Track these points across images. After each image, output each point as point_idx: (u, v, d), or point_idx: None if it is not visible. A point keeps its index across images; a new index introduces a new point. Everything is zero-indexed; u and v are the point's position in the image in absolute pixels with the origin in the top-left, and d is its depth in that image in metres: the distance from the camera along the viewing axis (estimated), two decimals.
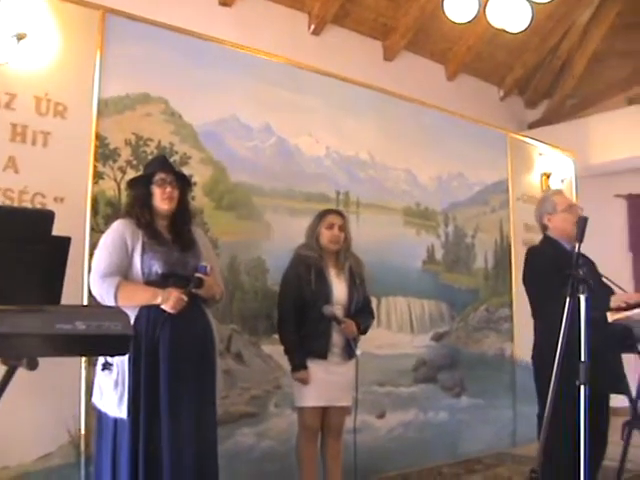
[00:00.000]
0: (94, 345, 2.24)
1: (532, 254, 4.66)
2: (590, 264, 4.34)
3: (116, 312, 2.42)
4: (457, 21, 5.68)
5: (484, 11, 5.59)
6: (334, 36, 6.74)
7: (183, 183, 4.03)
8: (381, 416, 5.91)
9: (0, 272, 2.08)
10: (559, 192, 5.03)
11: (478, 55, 8.45)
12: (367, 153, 6.18)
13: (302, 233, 4.79)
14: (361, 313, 4.70)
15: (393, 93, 6.43)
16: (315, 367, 4.46)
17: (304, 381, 4.45)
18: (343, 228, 4.72)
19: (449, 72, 8.32)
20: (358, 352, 4.54)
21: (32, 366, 2.12)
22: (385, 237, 6.11)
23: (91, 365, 4.07)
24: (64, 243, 2.25)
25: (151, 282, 3.73)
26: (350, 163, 6.04)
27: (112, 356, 3.36)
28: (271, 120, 5.46)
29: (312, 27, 6.71)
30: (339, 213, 4.87)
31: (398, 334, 6.18)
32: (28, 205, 4.14)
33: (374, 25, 7.38)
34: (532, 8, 5.54)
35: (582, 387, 3.39)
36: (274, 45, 5.72)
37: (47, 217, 2.18)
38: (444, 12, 5.68)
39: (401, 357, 6.17)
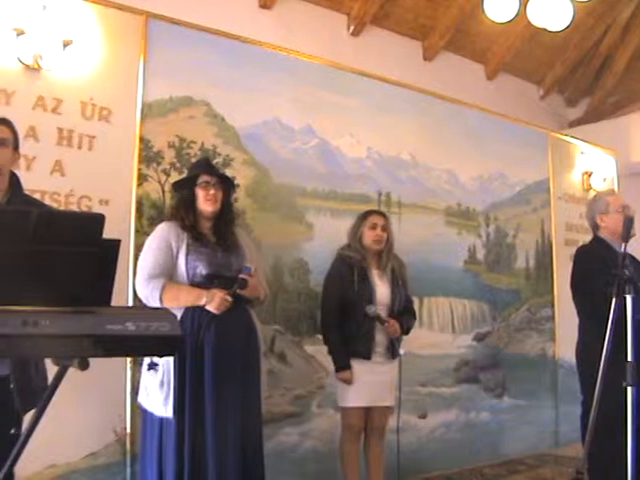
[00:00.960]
0: (143, 346, 2.27)
1: (581, 254, 4.63)
2: (638, 265, 4.29)
3: (165, 313, 2.45)
4: (497, 21, 5.64)
5: (524, 10, 5.55)
6: (373, 37, 6.74)
7: (226, 185, 4.05)
8: (423, 417, 5.90)
9: (53, 274, 2.12)
10: (612, 192, 5.00)
11: (518, 54, 8.39)
12: (408, 153, 6.17)
13: (344, 234, 4.81)
14: (403, 313, 4.71)
15: (433, 93, 6.42)
16: (359, 367, 4.47)
17: (348, 381, 4.46)
18: (385, 228, 4.73)
19: (489, 71, 8.28)
20: (401, 352, 4.55)
21: (83, 366, 2.15)
22: (427, 237, 6.11)
23: (136, 365, 4.14)
24: (114, 245, 2.28)
25: (196, 283, 3.76)
26: (391, 164, 6.04)
27: (161, 356, 3.39)
28: (312, 121, 5.49)
29: (351, 28, 6.72)
30: (381, 214, 4.88)
31: (440, 334, 6.17)
32: (74, 208, 4.20)
33: (413, 25, 7.36)
34: (573, 6, 5.50)
35: (629, 388, 3.36)
36: (314, 46, 5.74)
37: (98, 220, 2.21)
38: (483, 11, 5.64)
39: (443, 357, 6.16)
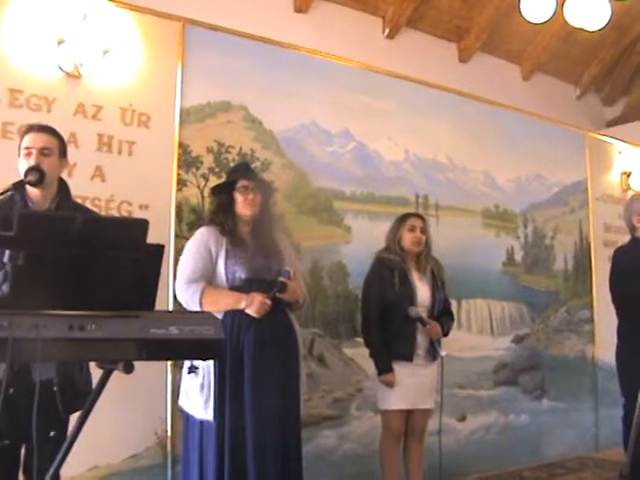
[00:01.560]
0: (187, 349, 2.30)
1: (619, 254, 4.60)
2: None
3: (208, 317, 2.47)
4: (534, 21, 5.60)
5: (561, 10, 5.51)
6: (408, 39, 6.73)
7: (265, 189, 4.07)
8: (462, 419, 5.89)
9: (98, 279, 2.15)
10: None
11: (554, 54, 8.32)
12: (445, 156, 6.17)
13: (382, 237, 4.80)
14: (443, 315, 4.71)
15: (469, 95, 6.41)
16: (400, 369, 4.46)
17: (390, 384, 4.44)
18: (424, 230, 4.72)
19: (524, 72, 8.23)
20: (443, 353, 4.54)
21: (128, 370, 2.18)
22: (464, 239, 6.10)
23: (177, 368, 4.17)
24: (158, 250, 2.31)
25: (235, 287, 3.79)
26: (429, 166, 6.05)
27: (204, 360, 3.42)
28: (350, 125, 5.51)
29: (386, 31, 6.71)
30: (419, 216, 4.88)
31: (478, 336, 6.16)
32: (115, 213, 4.25)
33: (448, 27, 7.34)
34: (611, 5, 5.45)
35: None
36: (349, 50, 5.75)
37: (142, 225, 2.25)
38: (519, 12, 5.61)
39: (481, 360, 6.14)
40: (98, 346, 2.13)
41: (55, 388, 2.98)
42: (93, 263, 2.14)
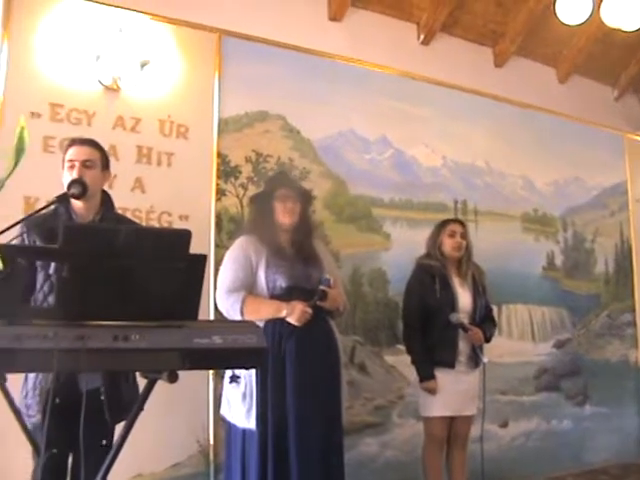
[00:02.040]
0: (230, 358, 2.32)
1: None
2: None
3: (251, 326, 2.49)
4: (570, 23, 5.56)
5: (598, 11, 5.46)
6: (443, 45, 6.69)
7: (304, 198, 4.07)
8: (504, 425, 5.85)
9: (142, 290, 2.17)
10: None
11: (590, 55, 8.22)
12: (483, 160, 6.16)
13: (421, 243, 4.80)
14: (484, 321, 4.68)
15: (506, 99, 6.40)
16: (442, 376, 4.44)
17: (433, 391, 4.43)
18: (464, 236, 4.71)
19: (561, 75, 8.14)
20: (485, 360, 4.51)
21: (172, 379, 2.19)
22: (504, 244, 6.07)
23: (219, 377, 4.18)
24: (201, 260, 2.33)
25: (276, 296, 3.79)
26: (466, 171, 6.05)
27: (247, 368, 3.43)
28: (387, 132, 5.53)
29: (421, 37, 6.68)
30: (460, 221, 4.87)
31: (519, 342, 6.12)
32: (155, 224, 4.29)
33: (483, 31, 7.28)
34: None
35: None
36: (384, 57, 5.75)
37: (185, 236, 2.26)
38: (554, 14, 5.57)
39: (523, 365, 6.10)
40: (142, 356, 2.15)
41: (102, 397, 3.02)
42: (137, 274, 2.16)
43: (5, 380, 2.13)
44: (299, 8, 5.43)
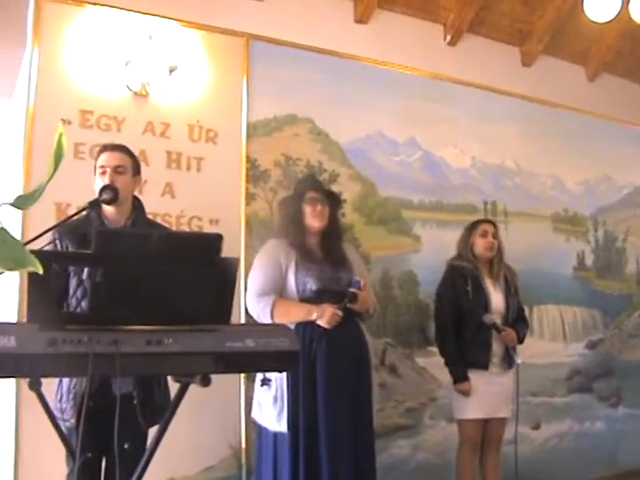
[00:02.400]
0: (263, 361, 2.32)
1: None
2: None
3: (283, 329, 2.49)
4: (598, 20, 5.52)
5: (627, 7, 5.41)
6: (470, 45, 6.67)
7: (333, 201, 4.08)
8: (536, 427, 5.81)
9: (175, 294, 2.18)
10: None
11: (619, 53, 8.16)
12: (512, 161, 6.14)
13: (451, 245, 4.79)
14: (517, 322, 4.66)
15: (534, 98, 6.37)
16: (476, 378, 4.43)
17: (467, 393, 4.41)
18: (496, 236, 4.70)
19: (589, 73, 8.08)
20: (519, 361, 4.49)
21: (205, 383, 2.20)
22: (534, 245, 6.03)
23: (250, 380, 4.19)
24: (233, 264, 2.33)
25: (306, 299, 3.79)
26: (496, 172, 6.02)
27: (280, 372, 3.44)
28: (416, 133, 5.53)
29: (448, 38, 6.66)
30: (491, 222, 4.86)
31: (551, 343, 6.08)
32: (185, 228, 4.31)
33: (510, 31, 7.25)
34: None
35: None
36: (411, 58, 5.74)
37: (217, 240, 2.27)
38: (583, 12, 5.53)
39: (554, 366, 6.05)
40: (175, 360, 2.16)
41: (135, 401, 3.03)
42: (169, 278, 2.17)
43: (40, 385, 2.14)
44: (325, 11, 5.44)
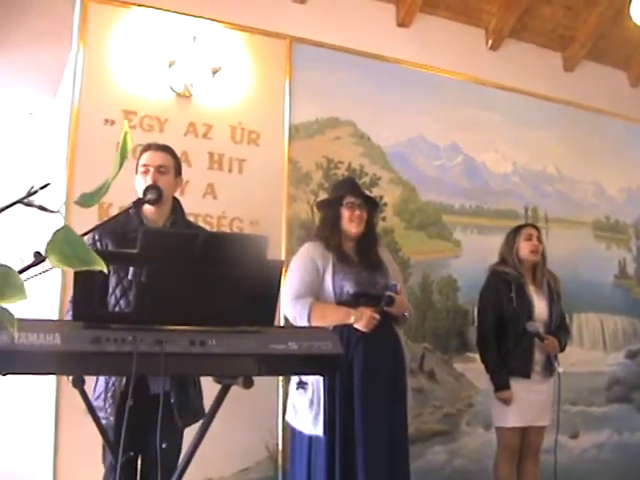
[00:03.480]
0: (306, 364, 2.32)
1: None
2: None
3: (326, 332, 2.49)
4: None
5: None
6: (512, 50, 6.63)
7: (371, 205, 4.07)
8: (574, 436, 5.74)
9: (220, 295, 2.18)
10: None
11: None
12: (554, 167, 6.09)
13: (492, 251, 4.75)
14: (559, 329, 4.61)
15: (576, 104, 6.32)
16: (517, 386, 4.38)
17: (508, 401, 4.36)
18: (540, 240, 4.67)
19: (632, 78, 7.99)
20: (560, 370, 4.44)
21: (248, 385, 2.20)
22: (575, 252, 5.97)
23: (287, 382, 4.18)
24: (278, 266, 2.33)
25: (343, 302, 3.79)
26: (537, 178, 5.98)
27: (323, 375, 3.42)
28: (457, 138, 5.52)
29: (490, 42, 6.63)
30: (534, 226, 4.83)
31: (590, 351, 6.01)
32: (226, 230, 4.32)
33: (552, 36, 7.20)
34: None
35: None
36: (453, 63, 5.73)
37: (262, 242, 2.27)
38: (626, 17, 5.47)
39: (594, 375, 5.97)
40: (218, 361, 2.16)
41: (172, 400, 3.04)
42: (214, 279, 2.17)
43: (84, 383, 2.14)
44: (368, 14, 5.44)
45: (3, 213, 1.40)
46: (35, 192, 1.44)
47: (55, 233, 1.19)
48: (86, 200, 1.38)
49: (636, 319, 6.37)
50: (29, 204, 1.44)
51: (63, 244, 1.14)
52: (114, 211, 3.85)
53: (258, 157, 4.57)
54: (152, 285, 2.14)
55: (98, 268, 1.14)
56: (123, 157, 1.43)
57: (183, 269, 2.13)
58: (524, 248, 4.61)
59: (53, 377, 3.76)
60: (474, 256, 5.25)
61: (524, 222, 5.49)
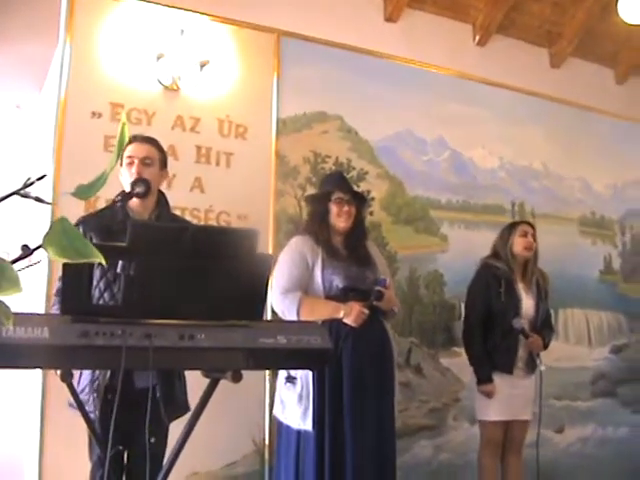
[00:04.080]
0: (295, 359, 2.32)
1: None
2: None
3: (315, 326, 2.49)
4: (632, 22, 5.48)
5: None
6: (499, 46, 6.65)
7: (359, 201, 4.07)
8: (560, 431, 5.77)
9: (209, 289, 2.18)
10: None
11: None
12: (540, 163, 6.12)
13: (479, 245, 4.81)
14: (543, 327, 4.63)
15: (563, 100, 6.34)
16: (500, 381, 4.41)
17: (490, 394, 4.39)
18: (535, 237, 4.70)
19: (618, 75, 8.02)
20: (542, 368, 4.46)
21: (236, 379, 2.20)
22: (560, 247, 5.98)
23: (274, 376, 4.18)
24: (267, 260, 2.33)
25: (332, 296, 3.78)
26: (524, 174, 6.01)
27: (312, 369, 3.42)
28: (444, 133, 5.53)
29: (477, 38, 6.64)
30: (530, 224, 4.85)
31: (575, 347, 6.03)
32: (214, 223, 4.31)
33: (539, 32, 7.21)
34: None
35: None
36: (440, 58, 5.74)
37: (252, 235, 2.27)
38: (613, 14, 5.50)
39: (579, 370, 6.01)
40: (207, 355, 2.16)
41: (158, 394, 3.03)
42: (204, 273, 2.16)
43: (72, 377, 2.14)
44: (355, 9, 5.44)
45: None
46: (32, 183, 1.43)
47: (52, 225, 1.18)
48: (83, 192, 1.37)
49: (621, 314, 6.41)
50: (25, 195, 1.43)
51: (60, 236, 1.14)
52: (101, 204, 3.82)
53: (245, 151, 4.57)
54: (141, 279, 2.13)
55: (96, 261, 1.14)
56: (120, 148, 1.42)
57: (172, 263, 2.13)
58: (518, 244, 4.63)
59: (39, 370, 3.75)
60: (461, 251, 5.27)
61: (511, 217, 5.55)
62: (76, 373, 3.12)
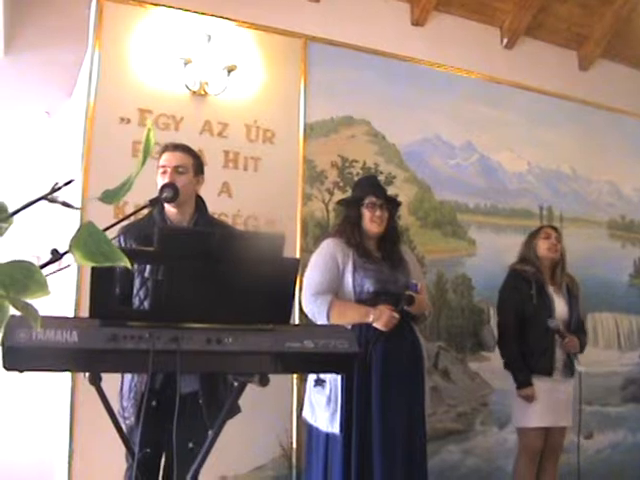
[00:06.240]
0: (321, 362, 2.31)
1: None
2: None
3: (343, 330, 2.48)
4: None
5: None
6: (527, 49, 6.64)
7: (392, 205, 4.06)
8: (589, 436, 5.71)
9: (236, 293, 2.18)
10: None
11: None
12: (569, 166, 6.07)
13: (506, 249, 4.78)
14: (577, 331, 4.57)
15: (592, 103, 6.28)
16: (539, 385, 4.35)
17: (530, 398, 4.32)
18: (559, 240, 4.66)
19: None
20: (581, 369, 4.42)
21: (264, 383, 2.20)
22: (590, 251, 5.95)
23: (302, 380, 4.19)
24: (294, 264, 2.33)
25: (362, 300, 3.76)
26: (552, 177, 5.97)
27: (339, 373, 3.42)
28: (472, 137, 5.51)
29: (504, 41, 6.63)
30: (553, 227, 4.84)
31: (605, 351, 5.97)
32: (242, 228, 4.32)
33: (567, 35, 7.19)
34: None
35: None
36: (468, 61, 5.72)
37: (279, 240, 2.27)
38: None
39: (609, 375, 5.94)
40: (235, 359, 2.16)
41: (200, 401, 3.04)
42: (231, 277, 2.17)
43: (100, 380, 2.15)
44: (382, 13, 5.45)
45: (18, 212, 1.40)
46: (59, 188, 1.44)
47: (79, 229, 1.19)
48: (109, 197, 1.38)
49: None
50: (53, 200, 1.44)
51: (87, 240, 1.15)
52: (129, 209, 3.85)
53: (273, 156, 4.57)
54: (169, 283, 2.14)
55: (122, 264, 1.15)
56: (147, 153, 1.43)
57: (199, 267, 2.13)
58: (542, 246, 4.60)
59: (68, 374, 3.78)
60: (489, 255, 5.25)
61: (539, 221, 5.53)
62: (118, 379, 3.15)
